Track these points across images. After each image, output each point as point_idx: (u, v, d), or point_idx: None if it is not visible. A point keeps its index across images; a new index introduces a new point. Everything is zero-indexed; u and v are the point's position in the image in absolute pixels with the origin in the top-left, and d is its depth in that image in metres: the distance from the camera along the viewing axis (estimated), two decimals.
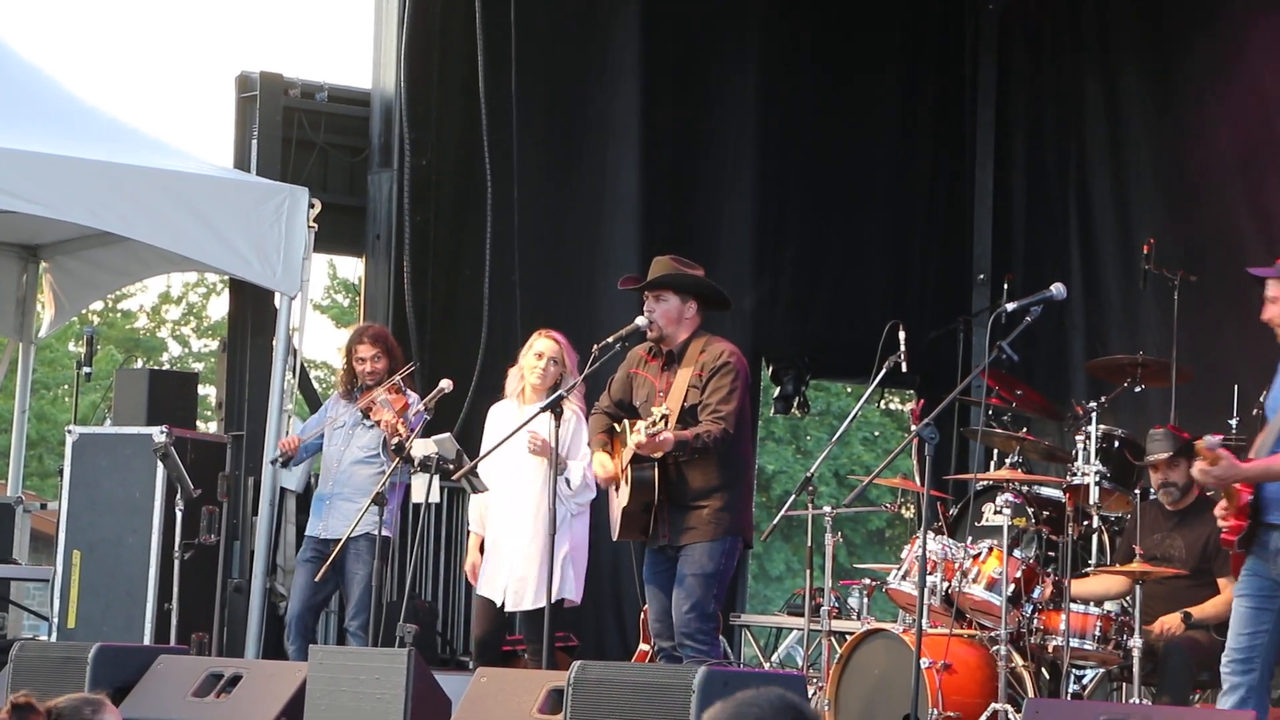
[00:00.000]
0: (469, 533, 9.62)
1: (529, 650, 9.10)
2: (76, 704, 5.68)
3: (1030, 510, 9.50)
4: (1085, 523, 9.46)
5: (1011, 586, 8.77)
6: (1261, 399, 7.87)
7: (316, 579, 9.65)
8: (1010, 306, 8.14)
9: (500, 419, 9.25)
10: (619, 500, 8.38)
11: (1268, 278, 7.31)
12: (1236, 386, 10.17)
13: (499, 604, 9.05)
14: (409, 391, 9.79)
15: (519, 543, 9.03)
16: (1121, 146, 13.22)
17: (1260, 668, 7.15)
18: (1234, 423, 10.03)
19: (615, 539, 8.59)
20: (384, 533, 9.23)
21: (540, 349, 9.16)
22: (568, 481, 8.85)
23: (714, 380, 8.20)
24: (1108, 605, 8.91)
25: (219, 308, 29.99)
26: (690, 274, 8.47)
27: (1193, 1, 12.70)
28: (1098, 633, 8.77)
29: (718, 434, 8.11)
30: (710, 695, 6.93)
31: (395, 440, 9.33)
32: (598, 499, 9.11)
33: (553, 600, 8.39)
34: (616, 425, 8.50)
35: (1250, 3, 12.16)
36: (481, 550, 9.26)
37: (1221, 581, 8.87)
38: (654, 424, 7.89)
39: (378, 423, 9.67)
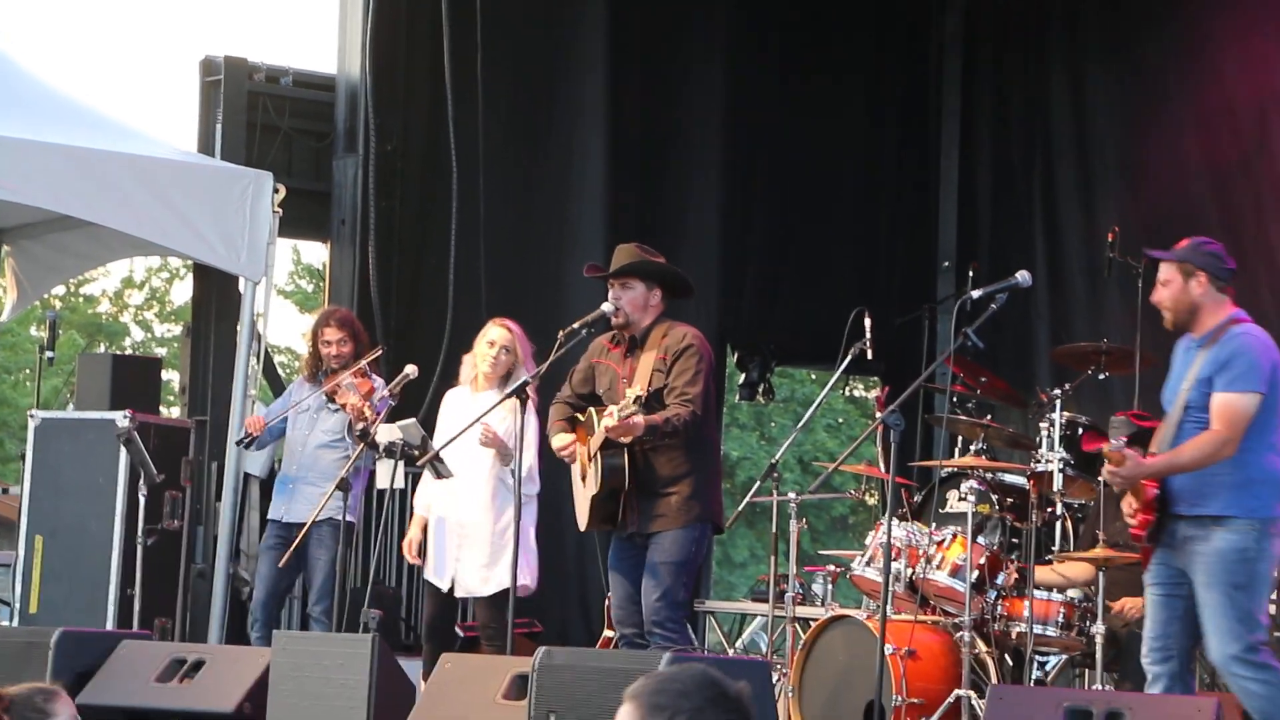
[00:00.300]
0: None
1: (484, 636, 9.08)
2: (29, 694, 5.65)
3: (994, 497, 9.51)
4: (1049, 509, 9.48)
5: (975, 573, 8.80)
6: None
7: (280, 564, 9.62)
8: (976, 294, 8.15)
9: (454, 406, 9.24)
10: (585, 489, 8.35)
11: (1162, 260, 7.39)
12: None
13: (446, 589, 9.06)
14: (374, 376, 9.77)
15: (468, 530, 9.01)
16: (1086, 135, 13.24)
17: (1177, 655, 7.24)
18: None
19: (582, 529, 8.55)
20: (348, 518, 9.21)
21: (492, 337, 9.17)
22: (513, 474, 8.86)
23: (678, 363, 8.19)
24: (1071, 592, 8.94)
25: (182, 293, 29.91)
26: (656, 261, 8.49)
27: None
28: (1061, 619, 8.80)
29: (686, 416, 8.10)
30: None
31: (360, 425, 9.31)
32: (562, 486, 9.07)
33: (509, 587, 8.42)
34: (579, 415, 8.48)
35: None
36: (424, 532, 9.25)
37: None
38: (626, 406, 7.88)
39: (343, 406, 9.64)
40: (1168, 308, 7.38)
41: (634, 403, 7.86)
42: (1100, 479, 9.39)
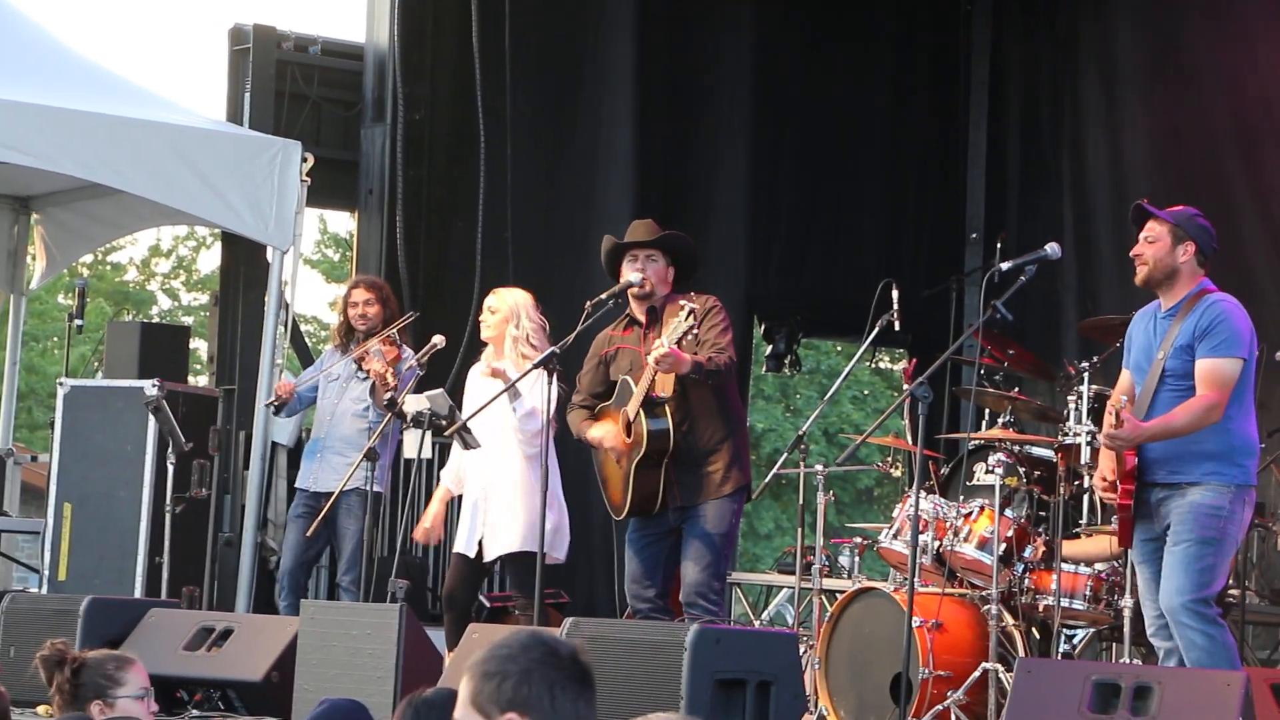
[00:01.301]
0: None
1: (518, 605, 9.07)
2: (102, 660, 5.79)
3: (1022, 470, 9.49)
4: (1076, 483, 9.45)
5: (1003, 546, 8.78)
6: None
7: (308, 534, 9.63)
8: (1005, 266, 8.12)
9: (473, 379, 9.22)
10: (623, 463, 8.26)
11: (1155, 216, 7.39)
12: None
13: (472, 557, 9.01)
14: (404, 345, 9.78)
15: (493, 493, 8.96)
16: (1116, 105, 13.18)
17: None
18: None
19: (620, 517, 8.45)
20: (375, 488, 9.22)
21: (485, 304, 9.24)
22: (514, 410, 8.84)
23: (706, 320, 8.23)
24: (1098, 565, 8.92)
25: (209, 261, 29.97)
26: (681, 236, 8.56)
27: None
28: (1088, 593, 8.78)
29: (725, 361, 8.17)
30: (703, 652, 6.94)
31: (388, 394, 9.30)
32: (588, 457, 9.02)
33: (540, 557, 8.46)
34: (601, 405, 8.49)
35: None
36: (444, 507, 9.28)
37: None
38: (678, 328, 7.86)
39: (368, 373, 9.64)
40: (1146, 263, 7.42)
41: (688, 316, 7.85)
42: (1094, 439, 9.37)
